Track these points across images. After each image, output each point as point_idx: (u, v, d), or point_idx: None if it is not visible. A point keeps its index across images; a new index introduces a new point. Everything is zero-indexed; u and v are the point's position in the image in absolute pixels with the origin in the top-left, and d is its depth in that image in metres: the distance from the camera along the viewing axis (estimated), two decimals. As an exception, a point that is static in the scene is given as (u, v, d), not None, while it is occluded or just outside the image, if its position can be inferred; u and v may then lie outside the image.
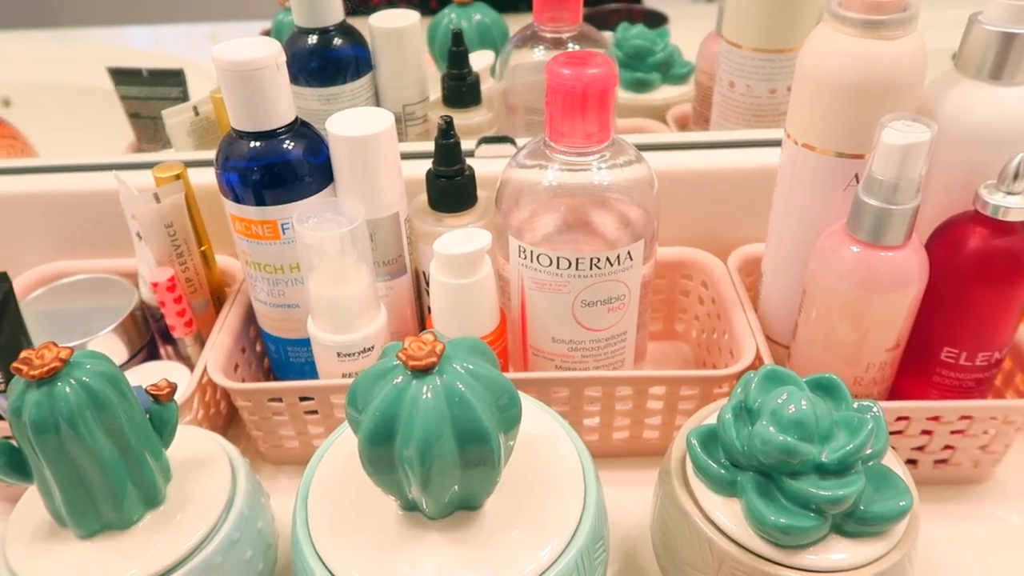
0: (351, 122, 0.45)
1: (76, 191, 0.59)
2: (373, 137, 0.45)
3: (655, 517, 0.41)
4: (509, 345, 0.50)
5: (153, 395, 0.37)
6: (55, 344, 0.33)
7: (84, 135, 0.81)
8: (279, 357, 0.53)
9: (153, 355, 0.55)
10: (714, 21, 0.67)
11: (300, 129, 0.45)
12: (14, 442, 0.34)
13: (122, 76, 0.70)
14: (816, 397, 0.35)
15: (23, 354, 0.32)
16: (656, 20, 0.86)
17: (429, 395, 0.31)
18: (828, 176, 0.43)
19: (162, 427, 0.37)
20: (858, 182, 0.42)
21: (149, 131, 0.71)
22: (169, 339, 0.54)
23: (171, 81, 0.70)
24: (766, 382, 0.36)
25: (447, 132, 0.47)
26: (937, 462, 0.47)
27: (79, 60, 0.93)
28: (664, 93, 0.76)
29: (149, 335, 0.55)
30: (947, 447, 0.46)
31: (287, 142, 0.44)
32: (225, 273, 0.58)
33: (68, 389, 0.32)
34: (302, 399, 0.48)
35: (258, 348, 0.56)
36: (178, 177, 0.50)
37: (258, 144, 0.44)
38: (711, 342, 0.56)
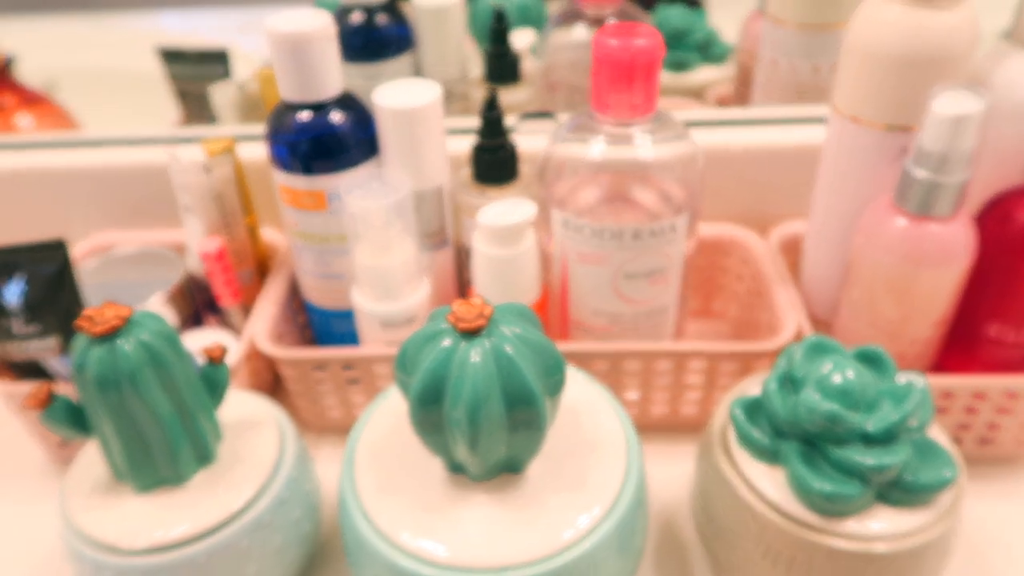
0: (398, 94, 0.46)
1: (124, 164, 0.60)
2: (419, 109, 0.45)
3: (696, 487, 0.41)
4: (550, 320, 0.51)
5: (206, 356, 0.38)
6: (115, 303, 0.34)
7: (125, 118, 0.82)
8: (322, 328, 0.54)
9: (199, 326, 0.57)
10: (753, 2, 0.67)
11: (348, 101, 0.46)
12: (70, 399, 0.36)
13: (170, 56, 0.72)
14: (862, 367, 0.35)
15: (85, 312, 0.33)
16: (694, 3, 0.85)
17: (478, 357, 0.31)
18: (875, 149, 0.43)
19: (214, 388, 0.38)
20: (906, 155, 0.42)
21: (195, 110, 0.73)
22: (214, 310, 0.55)
23: (216, 61, 0.72)
24: (811, 352, 0.36)
25: (492, 104, 0.47)
26: (981, 441, 0.47)
27: (115, 44, 0.95)
28: (703, 73, 0.75)
29: (195, 306, 0.56)
30: (991, 426, 0.45)
31: (336, 113, 0.45)
32: (267, 247, 0.59)
33: (129, 346, 0.33)
34: (345, 368, 0.49)
35: (301, 320, 0.57)
36: (228, 149, 0.51)
37: (307, 115, 0.45)
38: (750, 320, 0.56)
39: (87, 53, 0.96)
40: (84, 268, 0.57)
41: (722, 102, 0.73)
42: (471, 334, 0.31)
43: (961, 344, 0.45)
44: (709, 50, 0.76)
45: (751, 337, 0.55)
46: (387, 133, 0.46)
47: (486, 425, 0.32)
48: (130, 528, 0.35)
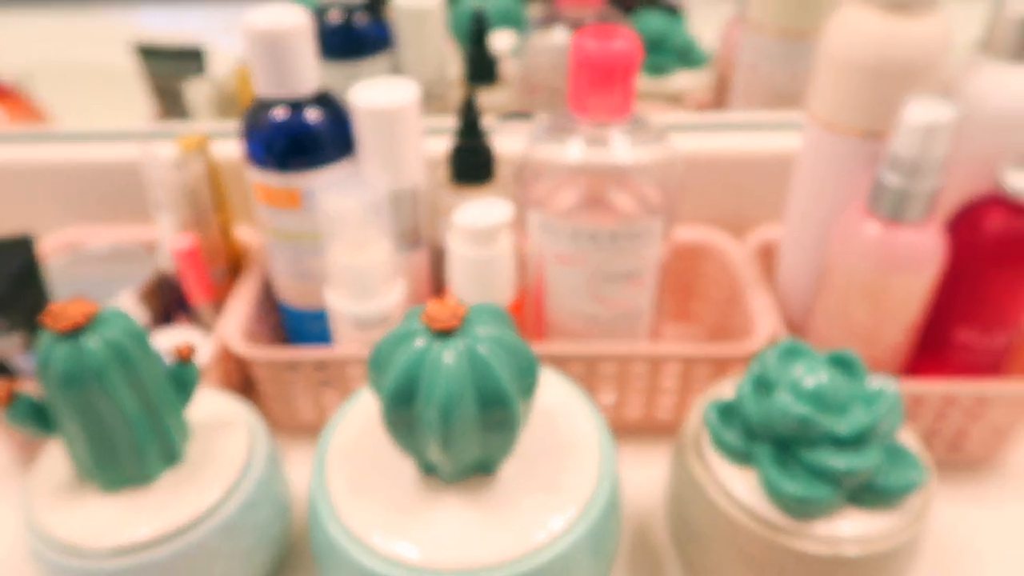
0: (375, 93, 0.45)
1: (95, 160, 0.59)
2: (397, 109, 0.45)
3: (670, 490, 0.41)
4: (525, 321, 0.50)
5: (175, 355, 0.37)
6: (84, 300, 0.33)
7: (100, 113, 0.81)
8: (295, 328, 0.53)
9: (169, 324, 0.56)
10: (733, 10, 0.68)
11: (324, 99, 0.45)
12: (33, 397, 0.35)
13: (146, 52, 0.71)
14: (834, 371, 0.35)
15: (50, 307, 0.33)
16: (672, 9, 0.86)
17: (451, 357, 0.31)
18: (849, 156, 0.43)
19: (182, 387, 0.38)
20: (879, 163, 0.42)
21: (170, 106, 0.72)
22: (185, 308, 0.54)
23: (191, 58, 0.71)
24: (785, 356, 0.36)
25: (469, 105, 0.47)
26: (950, 444, 0.47)
27: (91, 40, 0.94)
28: (681, 79, 0.76)
29: (165, 305, 0.56)
30: (961, 431, 0.46)
31: (311, 111, 0.44)
32: (240, 245, 0.58)
33: (95, 344, 0.33)
34: (318, 369, 0.48)
35: (274, 319, 0.56)
36: (201, 146, 0.50)
37: (283, 112, 0.44)
38: (725, 324, 0.56)
39: (63, 48, 0.95)
40: (53, 264, 0.56)
41: (700, 107, 0.73)
42: (445, 334, 0.31)
43: (931, 349, 0.45)
44: (687, 56, 0.76)
45: (726, 341, 0.55)
46: (363, 132, 0.46)
47: (459, 425, 0.31)
48: (95, 529, 0.35)
